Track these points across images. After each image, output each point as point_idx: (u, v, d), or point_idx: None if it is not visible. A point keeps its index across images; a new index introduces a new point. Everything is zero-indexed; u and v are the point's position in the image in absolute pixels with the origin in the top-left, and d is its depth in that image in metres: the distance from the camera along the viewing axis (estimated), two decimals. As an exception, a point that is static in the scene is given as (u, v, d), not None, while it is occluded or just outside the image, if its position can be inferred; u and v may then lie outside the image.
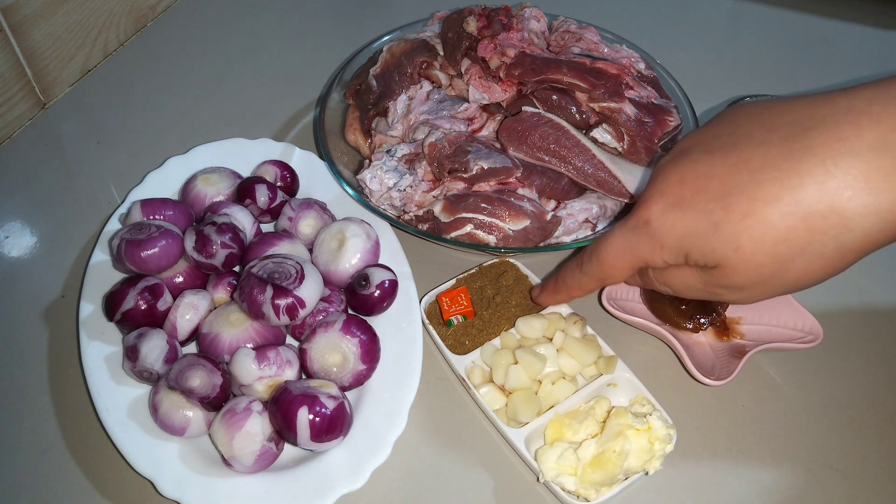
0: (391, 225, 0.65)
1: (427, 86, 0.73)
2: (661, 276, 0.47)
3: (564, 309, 0.60)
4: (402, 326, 0.59)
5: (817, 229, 0.37)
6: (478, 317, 0.59)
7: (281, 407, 0.50)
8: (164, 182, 0.68)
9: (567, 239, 0.63)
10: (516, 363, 0.55)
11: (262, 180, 0.64)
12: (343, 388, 0.54)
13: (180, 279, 0.59)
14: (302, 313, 0.54)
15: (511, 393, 0.55)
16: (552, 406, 0.54)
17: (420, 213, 0.63)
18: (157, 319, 0.56)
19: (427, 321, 0.59)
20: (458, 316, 0.59)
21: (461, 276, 0.62)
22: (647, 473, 0.50)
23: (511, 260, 0.63)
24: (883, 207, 0.36)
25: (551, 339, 0.57)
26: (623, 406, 0.53)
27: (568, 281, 0.53)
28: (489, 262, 0.63)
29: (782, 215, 0.38)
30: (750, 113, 0.42)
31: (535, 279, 0.62)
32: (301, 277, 0.54)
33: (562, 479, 0.50)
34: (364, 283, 0.58)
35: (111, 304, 0.55)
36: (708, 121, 0.46)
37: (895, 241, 0.38)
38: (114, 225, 0.65)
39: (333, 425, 0.50)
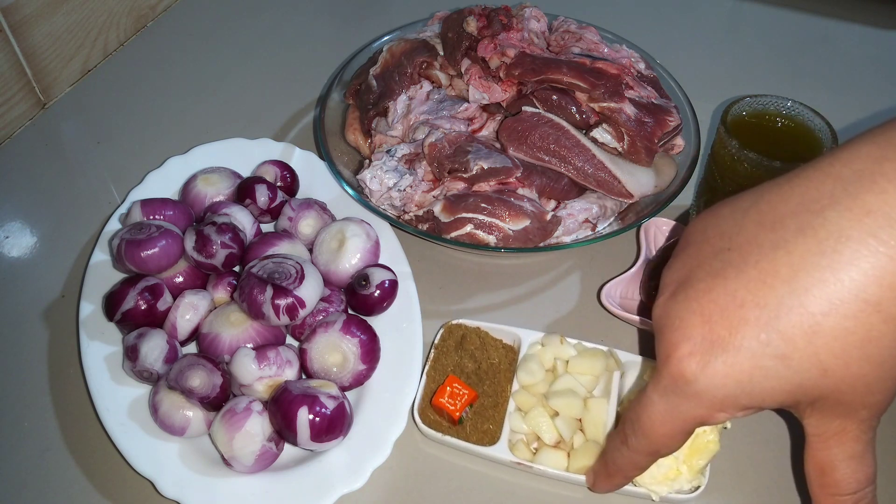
0: (391, 225, 0.65)
1: (427, 86, 0.73)
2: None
3: (536, 335, 0.57)
4: (402, 326, 0.59)
5: (894, 315, 0.32)
6: (481, 394, 0.55)
7: (281, 407, 0.50)
8: (164, 182, 0.68)
9: (567, 239, 0.64)
10: (556, 414, 0.53)
11: (262, 180, 0.64)
12: (343, 388, 0.54)
13: (180, 279, 0.59)
14: (302, 313, 0.54)
15: (571, 443, 0.52)
16: (602, 428, 0.52)
17: (420, 213, 0.63)
18: (157, 319, 0.56)
19: (441, 435, 0.52)
20: (466, 407, 0.53)
21: (426, 369, 0.56)
22: (726, 428, 0.52)
23: (454, 322, 0.58)
24: None
25: (552, 370, 0.56)
26: None
27: (619, 462, 0.44)
28: (438, 339, 0.58)
29: (853, 318, 0.32)
30: (731, 217, 0.38)
31: (486, 327, 0.58)
32: (301, 277, 0.54)
33: (675, 485, 0.49)
34: (364, 283, 0.58)
35: (111, 304, 0.55)
36: (681, 244, 0.41)
37: None
38: (114, 225, 0.65)
39: (333, 425, 0.50)
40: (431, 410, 0.54)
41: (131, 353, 0.53)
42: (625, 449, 0.43)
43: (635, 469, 0.44)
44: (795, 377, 0.34)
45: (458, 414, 0.53)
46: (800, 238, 0.34)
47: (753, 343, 0.34)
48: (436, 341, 0.58)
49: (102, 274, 0.61)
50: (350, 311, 0.59)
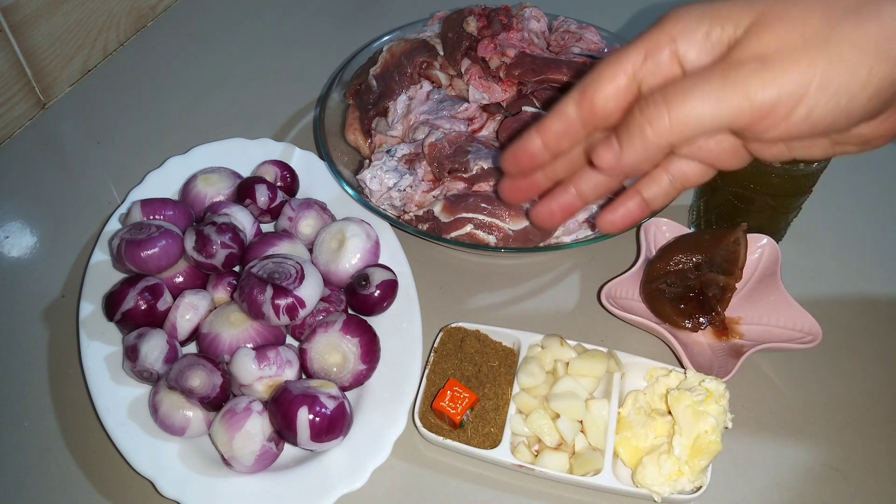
0: (391, 225, 0.65)
1: (427, 86, 0.73)
2: (671, 98, 0.33)
3: (535, 337, 0.57)
4: (402, 326, 0.59)
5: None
6: (482, 398, 0.55)
7: (281, 407, 0.50)
8: (164, 182, 0.68)
9: (567, 239, 0.64)
10: (557, 416, 0.53)
11: (262, 180, 0.64)
12: (343, 388, 0.54)
13: (180, 279, 0.59)
14: (302, 313, 0.54)
15: (573, 445, 0.52)
16: (604, 429, 0.52)
17: (420, 213, 0.63)
18: (157, 319, 0.56)
19: (443, 439, 0.52)
20: (467, 411, 0.53)
21: (426, 372, 0.56)
22: (727, 428, 0.51)
23: (453, 325, 0.58)
24: None
25: (552, 373, 0.56)
26: (673, 389, 0.53)
27: (551, 124, 0.38)
28: (437, 342, 0.58)
29: (871, 21, 0.29)
30: None
31: (485, 329, 0.58)
32: (301, 277, 0.54)
33: (677, 485, 0.49)
34: (364, 283, 0.58)
35: (111, 304, 0.55)
36: None
37: None
38: (114, 225, 0.65)
39: (333, 425, 0.50)
40: (432, 414, 0.54)
41: (131, 353, 0.53)
42: (564, 104, 0.37)
43: (562, 124, 0.38)
44: None
45: (459, 417, 0.53)
46: None
47: None
48: (435, 345, 0.58)
49: (102, 274, 0.61)
50: (350, 311, 0.59)
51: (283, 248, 0.60)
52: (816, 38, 0.29)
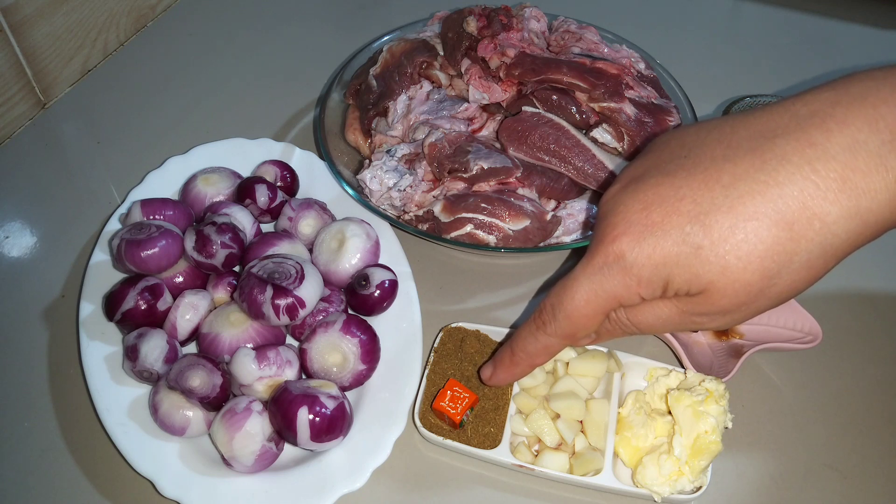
0: (391, 225, 0.65)
1: (427, 86, 0.73)
2: (632, 316, 0.43)
3: None
4: (402, 326, 0.59)
5: (803, 237, 0.36)
6: (482, 398, 0.54)
7: (281, 407, 0.50)
8: (164, 182, 0.68)
9: (567, 239, 0.64)
10: (557, 416, 0.53)
11: (262, 180, 0.64)
12: (343, 388, 0.54)
13: (180, 279, 0.59)
14: (302, 313, 0.54)
15: (573, 445, 0.52)
16: (604, 430, 0.52)
17: (420, 213, 0.63)
18: (157, 319, 0.56)
19: (442, 439, 0.52)
20: (467, 411, 0.53)
21: (426, 372, 0.56)
22: (727, 428, 0.51)
23: (454, 325, 0.58)
24: (863, 208, 0.35)
25: (552, 372, 0.56)
26: (673, 389, 0.53)
27: (529, 349, 0.46)
28: (437, 342, 0.58)
29: (768, 228, 0.36)
30: (696, 134, 0.41)
31: (485, 329, 0.58)
32: (301, 277, 0.54)
33: (677, 486, 0.49)
34: (364, 283, 0.58)
35: (111, 304, 0.55)
36: (645, 150, 0.43)
37: (871, 241, 0.38)
38: (114, 225, 0.65)
39: (333, 425, 0.50)
40: (432, 414, 0.54)
41: (131, 353, 0.53)
42: (541, 334, 0.45)
43: (546, 355, 0.46)
44: (699, 267, 0.37)
45: (459, 417, 0.52)
46: (748, 156, 0.37)
47: (678, 231, 0.38)
48: (435, 345, 0.58)
49: (102, 274, 0.61)
50: (350, 311, 0.59)
51: (283, 248, 0.60)
52: (749, 300, 0.38)
